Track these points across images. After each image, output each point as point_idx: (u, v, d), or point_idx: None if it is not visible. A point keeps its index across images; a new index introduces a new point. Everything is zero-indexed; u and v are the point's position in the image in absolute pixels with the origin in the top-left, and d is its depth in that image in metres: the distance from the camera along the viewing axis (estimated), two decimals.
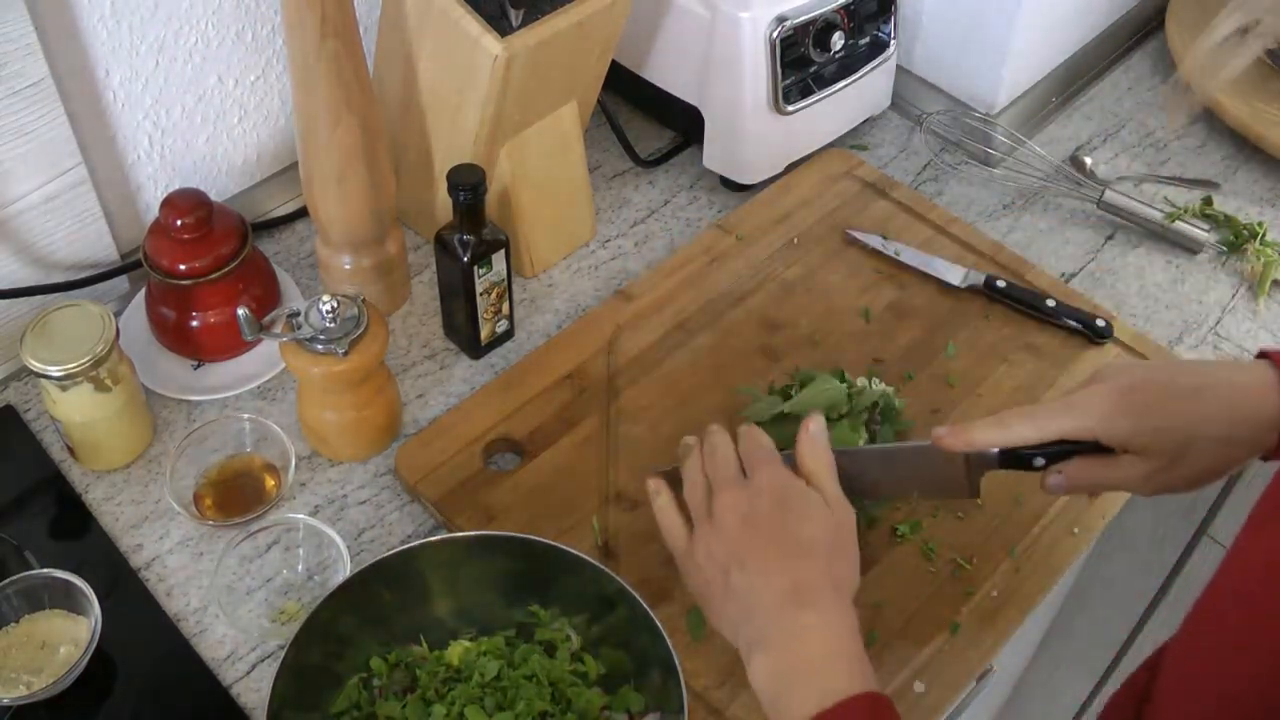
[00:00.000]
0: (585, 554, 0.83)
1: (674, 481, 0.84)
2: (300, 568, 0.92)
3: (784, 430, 0.91)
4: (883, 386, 0.96)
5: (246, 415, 0.96)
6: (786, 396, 0.96)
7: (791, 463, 0.80)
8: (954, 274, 1.10)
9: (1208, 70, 0.66)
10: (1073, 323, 1.06)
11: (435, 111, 1.03)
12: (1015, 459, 0.80)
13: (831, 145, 1.23)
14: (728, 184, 1.21)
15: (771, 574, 0.74)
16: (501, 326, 1.06)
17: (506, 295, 1.04)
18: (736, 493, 0.77)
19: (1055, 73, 1.31)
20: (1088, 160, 1.26)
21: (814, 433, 0.80)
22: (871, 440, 0.94)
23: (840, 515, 0.78)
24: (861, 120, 1.26)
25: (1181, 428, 0.76)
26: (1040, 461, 0.79)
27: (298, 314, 0.90)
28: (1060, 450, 0.79)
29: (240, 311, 0.88)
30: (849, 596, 0.75)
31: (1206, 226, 1.18)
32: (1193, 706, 0.60)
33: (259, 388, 1.03)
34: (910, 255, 1.12)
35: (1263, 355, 0.78)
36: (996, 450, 0.79)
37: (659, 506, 0.83)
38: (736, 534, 0.76)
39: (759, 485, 0.77)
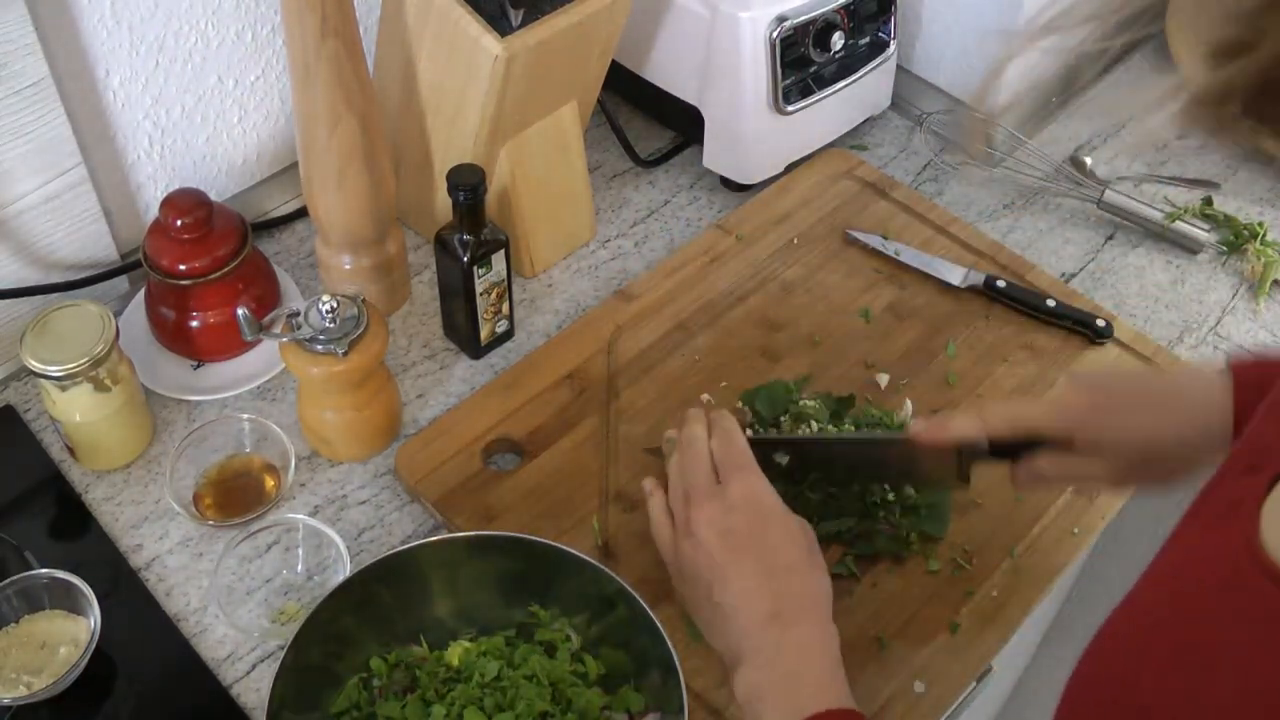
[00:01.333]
0: (585, 554, 0.83)
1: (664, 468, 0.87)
2: (300, 568, 0.92)
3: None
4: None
5: (246, 415, 0.96)
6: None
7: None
8: (954, 274, 1.10)
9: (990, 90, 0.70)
10: (1073, 323, 1.06)
11: (435, 111, 1.03)
12: (1005, 450, 0.83)
13: (831, 145, 1.23)
14: (728, 184, 1.21)
15: (752, 594, 0.75)
16: (501, 326, 1.06)
17: (506, 295, 1.04)
18: (712, 507, 0.79)
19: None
20: (1088, 160, 1.26)
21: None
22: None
23: (811, 532, 0.81)
24: (861, 120, 1.26)
25: (1144, 434, 0.81)
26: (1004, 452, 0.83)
27: (298, 314, 0.90)
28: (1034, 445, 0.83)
29: (240, 311, 0.88)
30: (827, 612, 0.77)
31: (1206, 226, 1.18)
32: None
33: (259, 388, 1.03)
34: (910, 255, 1.12)
35: (1232, 363, 0.80)
36: (986, 442, 0.83)
37: (652, 510, 0.85)
38: (716, 551, 0.77)
39: (734, 499, 0.79)
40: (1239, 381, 0.78)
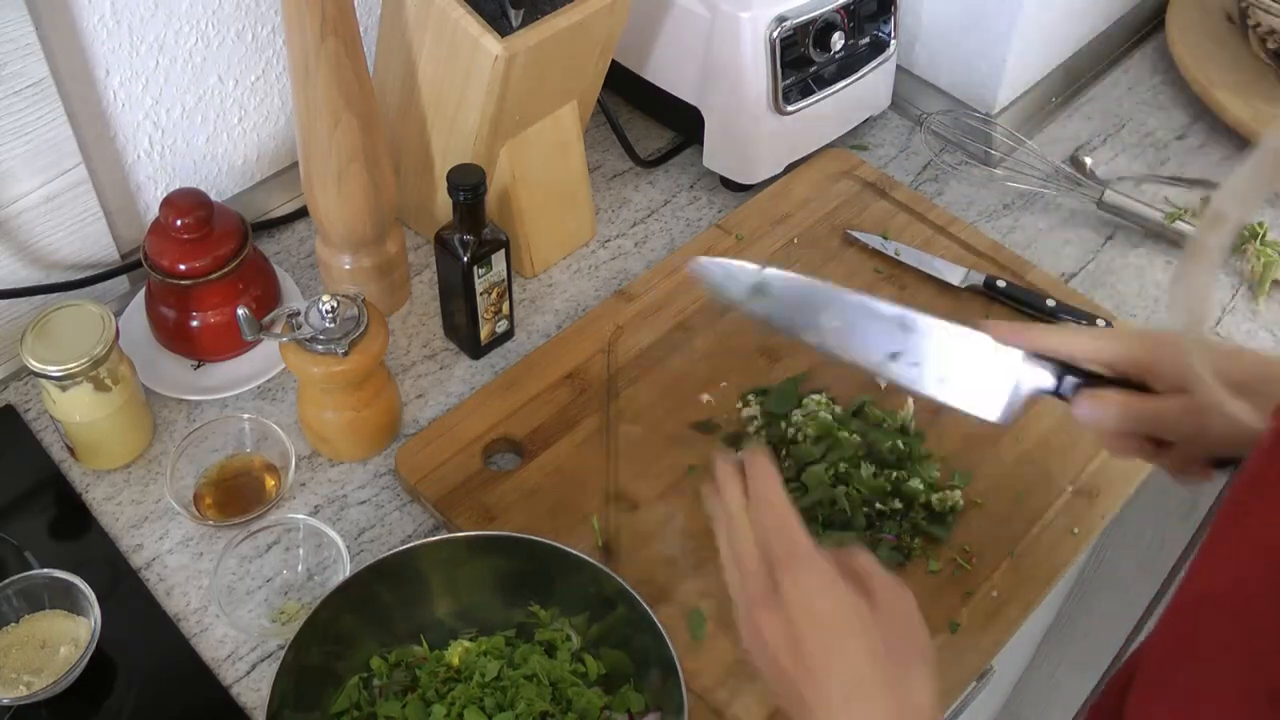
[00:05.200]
0: (585, 554, 0.83)
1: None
2: (300, 568, 0.92)
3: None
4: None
5: (246, 415, 0.96)
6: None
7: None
8: (954, 274, 1.10)
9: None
10: (1073, 323, 1.06)
11: (435, 111, 1.03)
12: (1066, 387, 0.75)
13: (831, 145, 1.23)
14: (728, 184, 1.21)
15: (829, 709, 0.64)
16: (501, 326, 1.06)
17: (506, 295, 1.04)
18: (772, 616, 0.67)
19: (1055, 73, 1.31)
20: (1088, 160, 1.26)
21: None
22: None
23: (898, 600, 0.68)
24: (861, 120, 1.26)
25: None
26: (1071, 383, 0.74)
27: (298, 314, 0.90)
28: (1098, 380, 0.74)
29: (240, 311, 0.88)
30: (907, 686, 0.66)
31: None
32: (1169, 709, 0.59)
33: (259, 388, 1.03)
34: (910, 255, 1.12)
35: None
36: (1052, 376, 0.74)
37: (719, 536, 0.72)
38: (790, 666, 0.66)
39: (793, 610, 0.66)
40: None
